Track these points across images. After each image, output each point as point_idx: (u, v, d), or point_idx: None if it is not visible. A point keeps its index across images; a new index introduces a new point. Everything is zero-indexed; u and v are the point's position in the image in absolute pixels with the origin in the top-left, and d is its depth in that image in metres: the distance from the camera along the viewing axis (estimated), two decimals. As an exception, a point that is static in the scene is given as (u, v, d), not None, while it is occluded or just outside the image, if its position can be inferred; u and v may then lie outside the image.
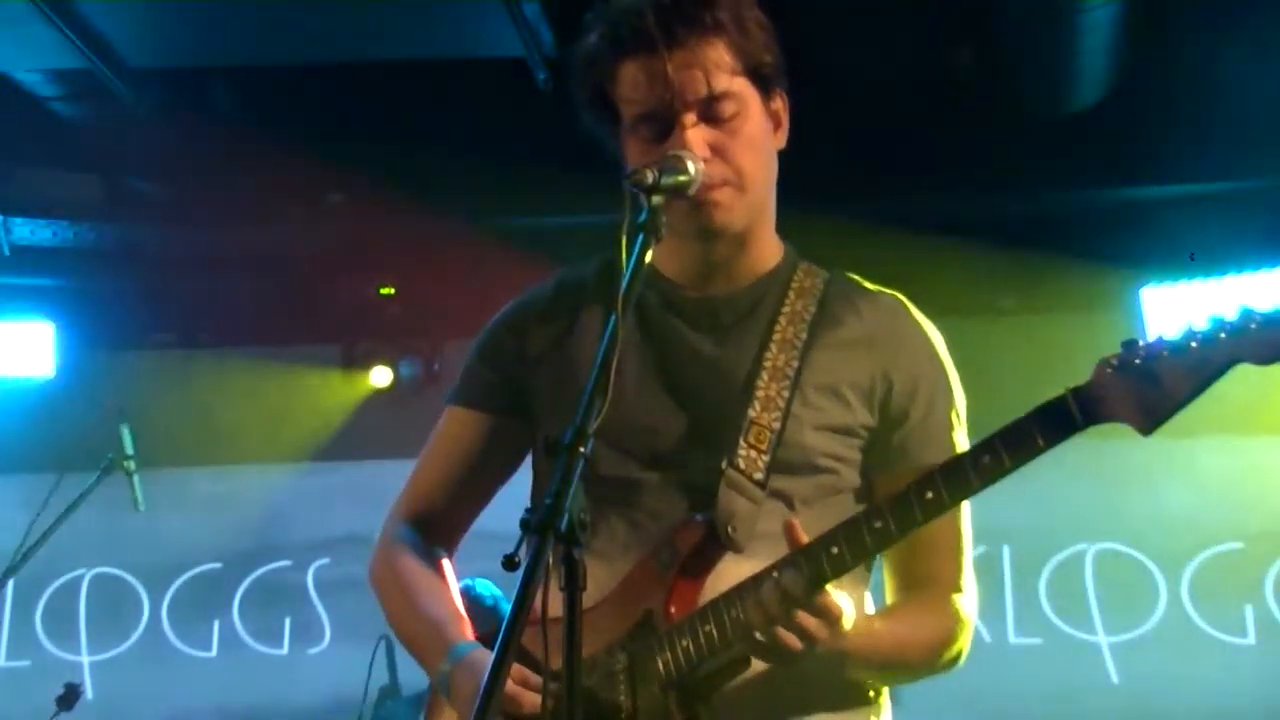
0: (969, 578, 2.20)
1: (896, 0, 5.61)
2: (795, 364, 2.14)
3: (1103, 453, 6.51)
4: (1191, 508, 6.79)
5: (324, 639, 7.19)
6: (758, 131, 2.11)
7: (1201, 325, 1.85)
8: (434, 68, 5.82)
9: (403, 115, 6.08)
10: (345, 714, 5.85)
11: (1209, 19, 5.52)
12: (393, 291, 7.18)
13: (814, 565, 1.92)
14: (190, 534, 7.21)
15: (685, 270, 2.21)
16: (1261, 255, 5.82)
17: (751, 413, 2.11)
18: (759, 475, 2.09)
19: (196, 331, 7.47)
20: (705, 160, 2.02)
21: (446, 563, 2.34)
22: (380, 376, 7.24)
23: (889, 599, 2.23)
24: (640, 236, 1.81)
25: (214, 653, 7.21)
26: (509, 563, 1.57)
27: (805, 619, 1.90)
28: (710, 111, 2.06)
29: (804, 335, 2.17)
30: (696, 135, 2.04)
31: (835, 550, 1.93)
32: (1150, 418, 1.88)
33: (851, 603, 1.96)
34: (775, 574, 1.93)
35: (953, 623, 2.15)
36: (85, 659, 7.18)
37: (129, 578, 7.31)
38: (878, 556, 2.19)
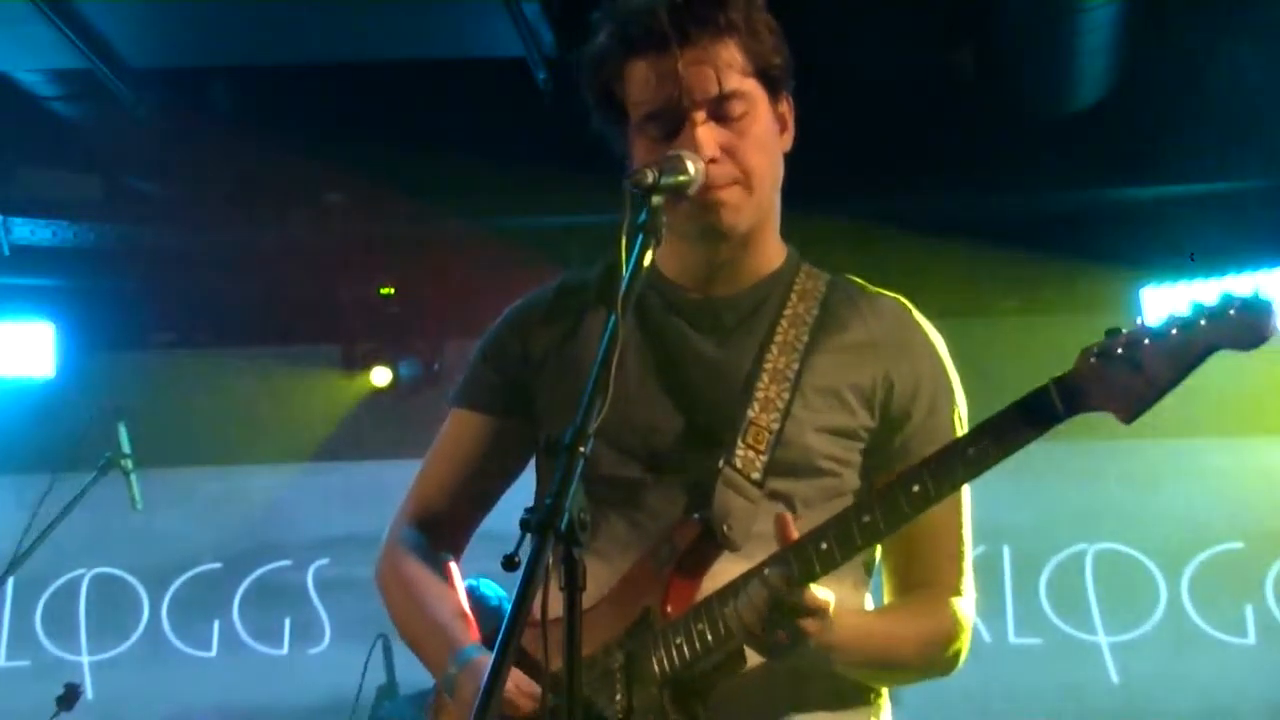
0: (968, 582, 2.19)
1: (897, 0, 5.62)
2: (796, 366, 2.14)
3: (1103, 453, 6.55)
4: (1191, 508, 6.79)
5: (324, 639, 7.19)
6: (766, 132, 2.11)
7: (1183, 312, 1.85)
8: (434, 68, 5.82)
9: (403, 115, 6.07)
10: (345, 714, 5.86)
11: (1209, 19, 5.53)
12: (393, 291, 7.17)
13: (803, 561, 1.92)
14: (190, 534, 7.21)
15: (688, 272, 2.20)
16: (1261, 255, 5.82)
17: (750, 413, 2.11)
18: (756, 475, 2.09)
19: (196, 331, 7.46)
20: (714, 160, 2.02)
21: (452, 565, 2.34)
22: (380, 376, 7.23)
23: (886, 601, 2.22)
24: (640, 237, 1.81)
25: (214, 653, 7.21)
26: (509, 563, 1.57)
27: (793, 614, 1.90)
28: (720, 111, 2.06)
29: (805, 338, 2.16)
30: (707, 133, 2.04)
31: (824, 546, 1.93)
32: (1132, 406, 1.87)
33: (834, 596, 1.94)
34: (765, 570, 1.93)
35: (949, 624, 2.13)
36: (85, 659, 7.18)
37: (129, 578, 7.30)
38: (877, 561, 2.20)
